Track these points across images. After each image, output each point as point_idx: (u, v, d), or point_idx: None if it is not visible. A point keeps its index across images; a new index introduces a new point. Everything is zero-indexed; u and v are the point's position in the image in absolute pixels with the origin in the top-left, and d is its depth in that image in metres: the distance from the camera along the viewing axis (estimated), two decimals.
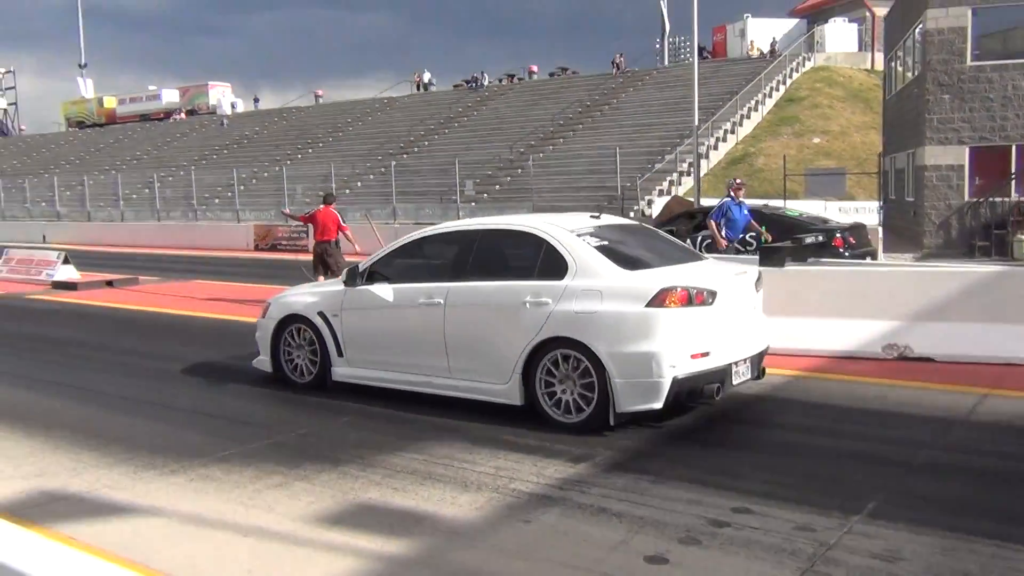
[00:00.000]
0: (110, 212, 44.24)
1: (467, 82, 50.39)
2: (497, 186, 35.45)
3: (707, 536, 4.77)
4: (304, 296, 8.81)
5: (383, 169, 39.86)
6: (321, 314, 8.39)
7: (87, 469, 6.24)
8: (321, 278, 13.93)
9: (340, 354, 8.31)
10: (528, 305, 7.05)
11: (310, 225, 15.13)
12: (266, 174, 44.31)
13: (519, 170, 36.14)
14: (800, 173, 30.00)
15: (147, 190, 45.97)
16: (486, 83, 48.96)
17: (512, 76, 50.48)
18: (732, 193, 12.85)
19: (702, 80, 30.43)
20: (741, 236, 12.85)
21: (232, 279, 20.25)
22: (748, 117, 36.84)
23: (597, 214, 8.26)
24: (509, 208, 31.49)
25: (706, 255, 8.76)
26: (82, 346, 11.65)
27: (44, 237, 37.98)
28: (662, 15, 48.53)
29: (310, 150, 46.78)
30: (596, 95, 42.32)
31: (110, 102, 70.97)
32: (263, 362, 8.93)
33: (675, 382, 6.62)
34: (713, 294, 6.92)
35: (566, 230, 7.36)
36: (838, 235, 14.95)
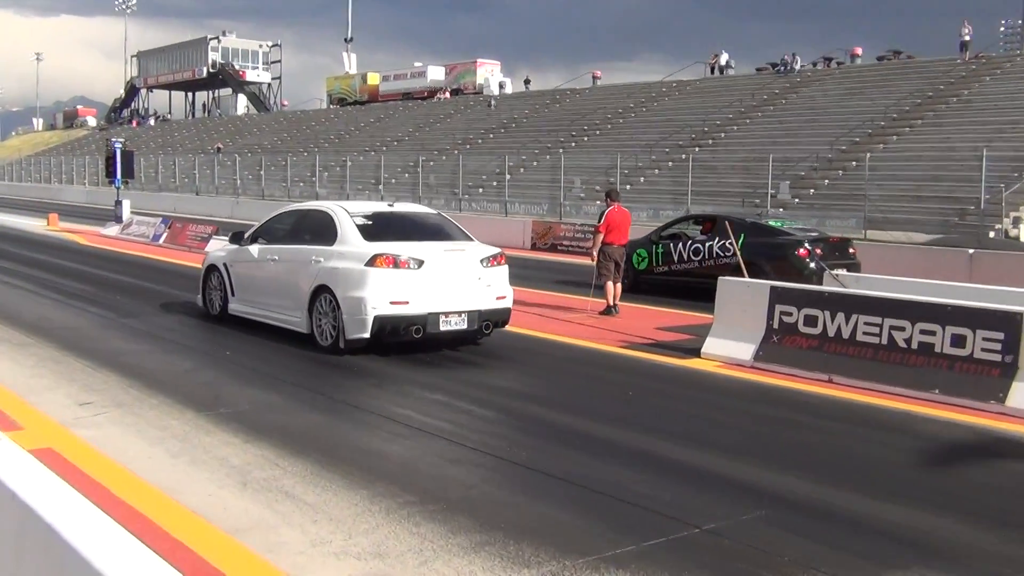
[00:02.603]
0: (370, 196, 45.73)
1: (774, 66, 47.67)
2: (812, 190, 32.89)
3: None
4: (220, 252, 13.35)
5: (671, 163, 38.43)
6: (225, 265, 12.80)
7: (436, 553, 5.12)
8: (612, 285, 14.58)
9: (233, 294, 12.65)
10: (312, 262, 11.02)
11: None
12: (536, 163, 44.18)
13: (840, 172, 33.38)
14: None
15: (407, 174, 47.28)
16: (798, 67, 46.09)
17: (830, 60, 47.19)
18: None
19: None
20: None
21: (512, 281, 19.43)
22: None
23: (392, 203, 12.85)
24: (830, 219, 29.00)
25: (472, 238, 11.74)
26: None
27: None
28: None
29: (586, 138, 46.12)
30: (940, 84, 38.47)
31: (374, 79, 74.60)
32: (198, 299, 13.40)
33: (376, 319, 10.30)
34: (420, 262, 10.55)
35: (345, 211, 11.38)
36: (805, 246, 15.96)
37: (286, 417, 8.10)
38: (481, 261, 11.12)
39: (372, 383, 9.60)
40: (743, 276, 12.03)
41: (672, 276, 17.32)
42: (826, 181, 33.29)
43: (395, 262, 10.46)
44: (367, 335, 10.37)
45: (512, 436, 7.62)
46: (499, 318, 11.29)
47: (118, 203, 32.00)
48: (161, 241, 27.05)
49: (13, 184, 79.63)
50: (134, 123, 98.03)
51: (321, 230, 11.33)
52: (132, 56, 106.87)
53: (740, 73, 51.72)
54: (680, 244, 17.33)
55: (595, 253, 14.68)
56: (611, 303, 14.51)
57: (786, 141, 36.96)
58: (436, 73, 70.12)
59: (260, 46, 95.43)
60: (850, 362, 9.85)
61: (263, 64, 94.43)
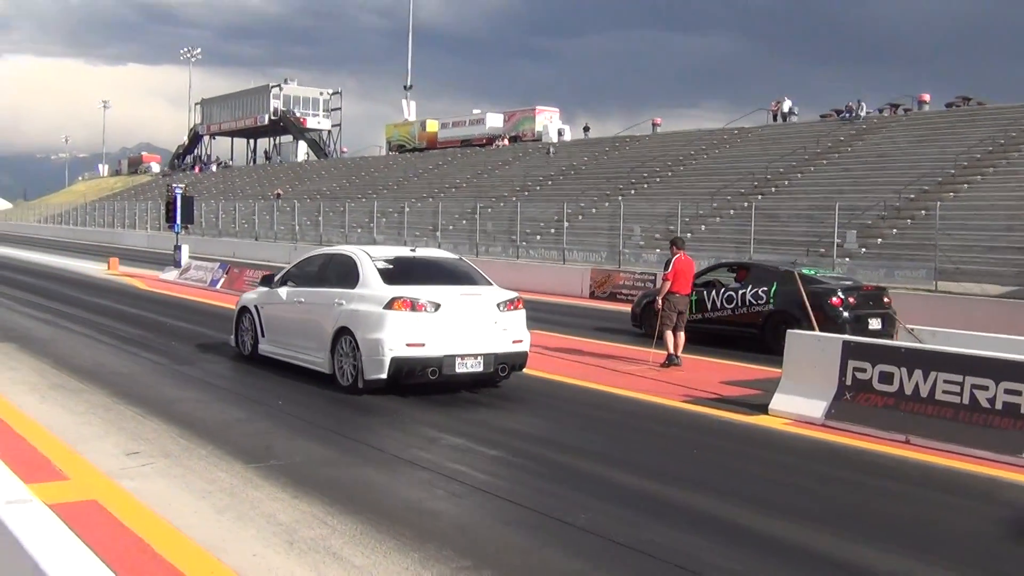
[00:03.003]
0: (427, 243, 45.86)
1: (838, 112, 47.11)
2: (880, 239, 32.21)
3: None
4: (252, 294, 14.21)
5: (733, 211, 38.00)
6: (256, 306, 13.52)
7: None
8: (673, 335, 14.24)
9: (263, 335, 13.29)
10: (335, 304, 11.58)
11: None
12: (595, 210, 44.01)
13: (909, 221, 32.69)
14: None
15: (464, 221, 47.36)
16: (863, 113, 45.51)
17: (897, 106, 46.51)
18: None
19: None
20: None
21: (570, 331, 19.25)
22: None
23: (415, 247, 13.74)
24: (900, 269, 28.35)
25: (492, 283, 12.15)
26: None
27: None
28: None
29: (646, 185, 45.91)
30: (1012, 131, 37.67)
31: (432, 126, 75.35)
32: (231, 339, 14.16)
33: (393, 361, 10.74)
34: (436, 305, 10.98)
35: (367, 255, 11.93)
36: (838, 295, 16.02)
37: (336, 471, 7.89)
38: (498, 305, 11.49)
39: (426, 437, 9.35)
40: (812, 328, 11.65)
41: (706, 324, 17.31)
42: (894, 231, 32.63)
43: (412, 305, 10.93)
44: (384, 376, 10.82)
45: (572, 496, 7.30)
46: (515, 361, 11.63)
47: (177, 248, 32.45)
48: (219, 286, 27.26)
49: (77, 228, 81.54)
50: (196, 169, 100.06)
51: (344, 273, 11.91)
52: (196, 104, 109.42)
53: (804, 120, 51.32)
54: (714, 292, 17.45)
55: (660, 300, 14.42)
56: (672, 352, 14.18)
57: (852, 189, 36.37)
58: (495, 120, 70.60)
59: (321, 94, 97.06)
60: (929, 422, 9.39)
61: (324, 111, 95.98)
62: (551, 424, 10.36)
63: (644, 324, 18.07)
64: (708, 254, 33.19)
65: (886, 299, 16.93)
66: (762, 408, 10.78)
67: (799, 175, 40.74)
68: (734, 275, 17.84)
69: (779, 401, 10.71)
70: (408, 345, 10.80)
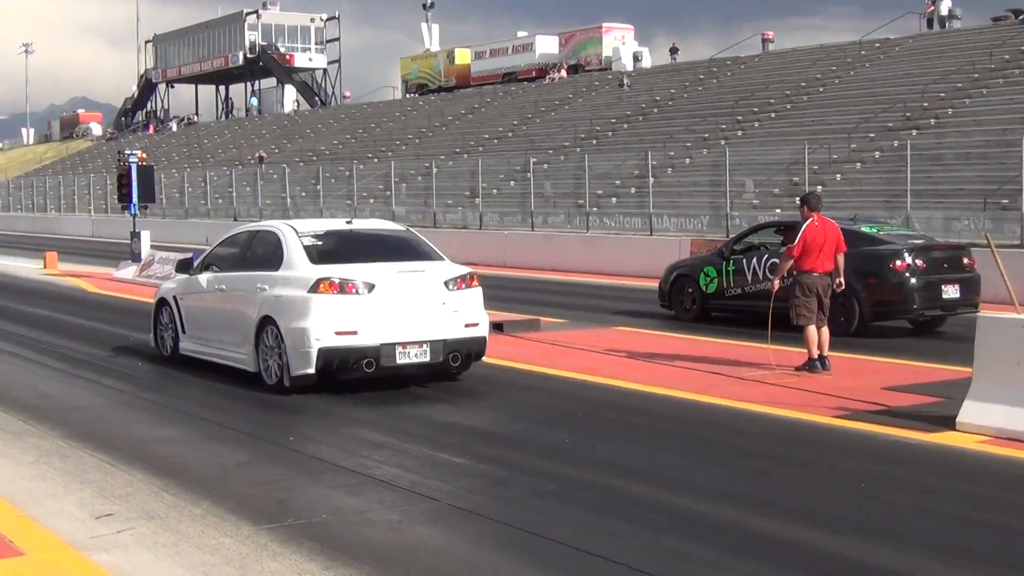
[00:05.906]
0: (463, 213, 45.95)
1: (1016, 13, 46.59)
2: None
3: None
4: (171, 283, 15.63)
5: (879, 153, 37.58)
6: (175, 297, 14.85)
7: None
8: (816, 330, 13.98)
9: (184, 331, 14.69)
10: (258, 290, 12.95)
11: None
12: (689, 160, 43.82)
13: None
14: None
15: (513, 182, 47.38)
16: None
17: None
18: None
19: None
20: None
21: (670, 327, 19.13)
22: None
23: (351, 219, 15.42)
24: None
25: (443, 258, 13.56)
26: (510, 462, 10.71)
27: None
28: None
29: (757, 123, 45.61)
30: None
31: (463, 57, 75.63)
32: (150, 339, 15.75)
33: (320, 353, 12.03)
34: (370, 286, 12.30)
35: (293, 230, 13.34)
36: (904, 258, 17.21)
37: (379, 530, 7.86)
38: (446, 283, 12.82)
39: (499, 478, 9.31)
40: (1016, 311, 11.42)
41: (747, 300, 18.24)
42: None
43: (341, 287, 12.26)
44: (312, 371, 12.16)
45: (707, 555, 7.19)
46: (470, 348, 12.96)
47: (135, 235, 32.64)
48: None
49: None
50: (151, 129, 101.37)
51: (268, 254, 13.38)
52: (146, 42, 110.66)
53: (969, 25, 50.77)
54: (755, 259, 18.47)
55: (776, 282, 14.30)
56: (815, 354, 13.97)
57: None
58: (547, 45, 70.65)
59: (312, 21, 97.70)
60: None
61: (316, 45, 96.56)
62: (670, 455, 10.27)
63: (674, 304, 20.13)
64: (847, 213, 32.85)
65: (967, 260, 17.80)
66: (947, 422, 10.67)
67: (967, 101, 40.17)
68: (781, 237, 18.02)
69: (970, 411, 10.58)
70: (338, 333, 12.08)
